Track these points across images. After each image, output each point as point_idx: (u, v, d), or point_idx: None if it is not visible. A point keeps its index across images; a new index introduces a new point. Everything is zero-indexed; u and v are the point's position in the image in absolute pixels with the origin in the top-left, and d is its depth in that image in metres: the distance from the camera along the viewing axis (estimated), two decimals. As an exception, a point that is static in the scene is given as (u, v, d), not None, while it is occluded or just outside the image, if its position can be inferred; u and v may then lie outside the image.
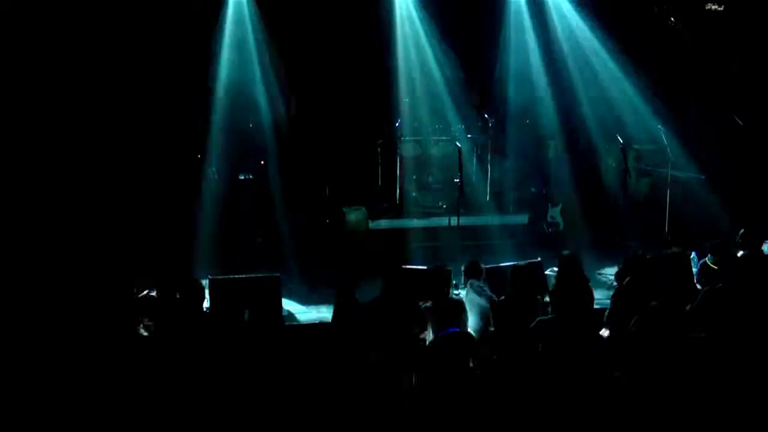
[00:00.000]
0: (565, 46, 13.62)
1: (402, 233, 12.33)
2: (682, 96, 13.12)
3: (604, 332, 8.00)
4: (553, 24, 13.68)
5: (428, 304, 8.14)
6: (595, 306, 8.81)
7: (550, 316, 7.58)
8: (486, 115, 13.37)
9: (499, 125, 13.53)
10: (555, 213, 12.71)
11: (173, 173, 11.74)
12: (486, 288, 8.63)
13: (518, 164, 13.34)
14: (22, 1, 11.19)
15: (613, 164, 13.15)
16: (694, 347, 7.16)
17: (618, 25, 13.31)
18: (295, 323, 9.81)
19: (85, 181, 11.25)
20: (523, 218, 12.90)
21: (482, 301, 8.42)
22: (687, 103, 13.11)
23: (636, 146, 13.43)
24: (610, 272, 10.41)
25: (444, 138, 13.33)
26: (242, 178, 12.44)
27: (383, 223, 12.56)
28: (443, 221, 12.04)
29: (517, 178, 13.32)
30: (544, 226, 12.73)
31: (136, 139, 11.62)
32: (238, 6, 12.52)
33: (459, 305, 7.88)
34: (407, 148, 13.23)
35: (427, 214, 12.83)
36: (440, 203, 12.89)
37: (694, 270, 9.58)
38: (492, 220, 12.55)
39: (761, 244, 9.30)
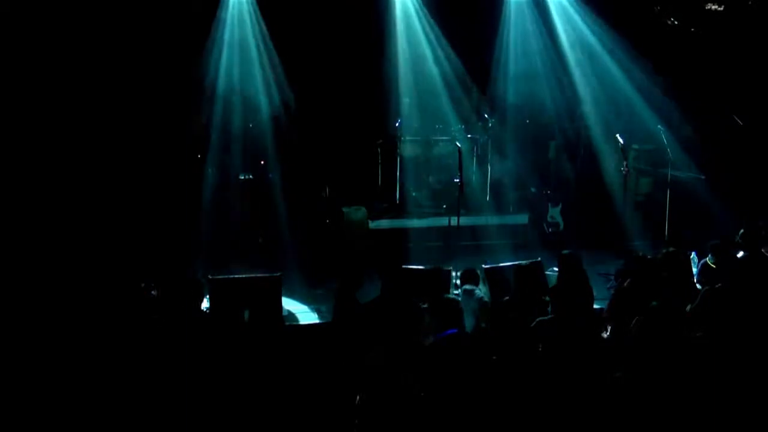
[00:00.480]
0: (566, 46, 13.63)
1: (402, 233, 12.34)
2: (682, 96, 13.11)
3: (604, 333, 8.01)
4: (554, 24, 13.70)
5: (425, 305, 8.14)
6: (595, 306, 8.82)
7: (550, 316, 7.58)
8: (486, 115, 13.37)
9: (499, 125, 13.53)
10: (555, 213, 12.72)
11: (173, 173, 11.74)
12: (476, 290, 8.64)
13: (518, 164, 13.34)
14: (22, 2, 11.19)
15: (613, 164, 13.15)
16: (695, 347, 7.15)
17: (618, 25, 13.31)
18: (295, 323, 9.81)
19: (85, 181, 11.25)
20: (523, 218, 12.90)
21: (473, 303, 8.44)
22: (687, 103, 13.09)
23: (636, 146, 13.43)
24: (610, 272, 10.41)
25: (444, 138, 13.33)
26: (242, 178, 12.44)
27: (383, 223, 12.56)
28: (443, 221, 12.04)
29: (517, 178, 13.32)
30: (544, 226, 12.74)
31: (136, 138, 11.63)
32: (237, 5, 12.53)
33: (456, 305, 7.87)
34: (407, 148, 13.23)
35: (427, 214, 12.83)
36: (440, 203, 12.89)
37: (694, 270, 9.59)
38: (492, 220, 12.55)
39: (761, 244, 9.30)
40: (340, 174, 12.74)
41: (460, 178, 11.38)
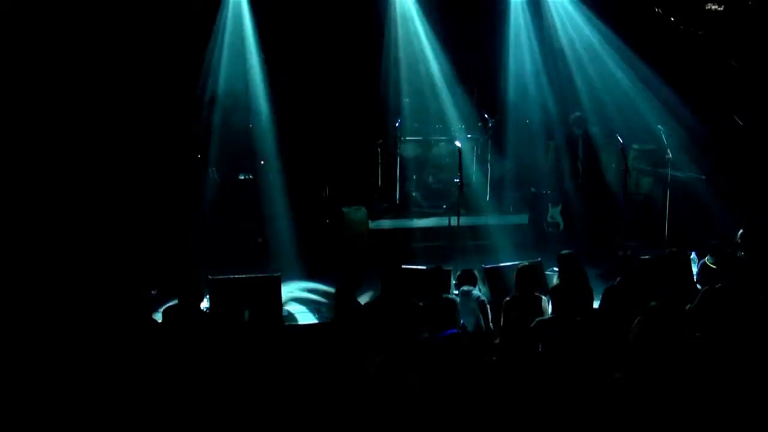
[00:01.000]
0: (566, 46, 13.63)
1: (402, 233, 12.34)
2: (682, 96, 13.11)
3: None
4: (554, 24, 13.70)
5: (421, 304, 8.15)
6: (595, 306, 8.83)
7: (549, 316, 7.59)
8: (486, 115, 13.37)
9: (499, 125, 13.53)
10: (555, 213, 12.72)
11: (173, 173, 11.74)
12: (473, 290, 8.64)
13: (518, 164, 13.34)
14: (22, 2, 11.19)
15: (613, 164, 13.15)
16: (694, 348, 7.15)
17: (618, 25, 13.31)
18: (295, 323, 9.81)
19: (86, 181, 11.25)
20: (523, 218, 12.90)
21: (472, 303, 8.44)
22: (687, 103, 13.09)
23: (636, 146, 13.44)
24: (609, 272, 10.42)
25: (444, 138, 13.33)
26: (242, 178, 12.44)
27: (383, 223, 12.57)
28: (443, 221, 12.04)
29: (517, 178, 13.32)
30: (544, 226, 12.74)
31: (136, 139, 11.63)
32: (237, 6, 12.53)
33: (453, 305, 7.88)
34: (407, 148, 13.23)
35: (427, 214, 12.83)
36: (440, 203, 12.89)
37: (694, 270, 9.59)
38: (492, 220, 12.55)
39: (760, 245, 9.30)
40: (340, 174, 12.74)
41: (460, 178, 11.38)
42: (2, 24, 11.02)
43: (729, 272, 8.19)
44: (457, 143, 11.68)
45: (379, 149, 13.18)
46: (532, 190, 13.35)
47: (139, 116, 11.70)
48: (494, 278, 9.42)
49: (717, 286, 8.07)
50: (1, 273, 9.61)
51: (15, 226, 10.54)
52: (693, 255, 9.81)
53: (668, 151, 11.97)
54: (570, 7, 13.54)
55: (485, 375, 6.78)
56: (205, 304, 8.87)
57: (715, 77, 13.24)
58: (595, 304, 8.85)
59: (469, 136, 13.19)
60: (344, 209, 12.19)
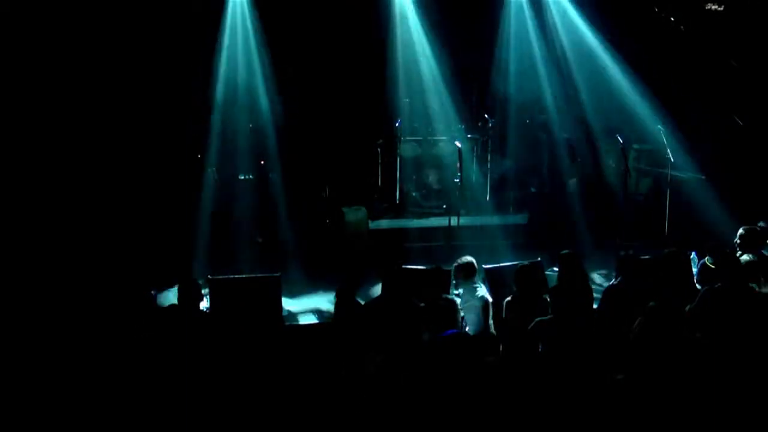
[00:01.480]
0: (566, 46, 13.63)
1: (402, 233, 12.34)
2: (682, 96, 13.11)
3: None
4: (554, 23, 13.69)
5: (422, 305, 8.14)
6: (595, 306, 8.83)
7: (549, 316, 7.58)
8: (486, 115, 13.37)
9: (499, 125, 13.53)
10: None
11: (173, 173, 11.74)
12: (479, 287, 8.63)
13: (518, 164, 13.34)
14: (22, 2, 11.20)
15: (613, 164, 13.14)
16: (695, 348, 7.15)
17: (618, 25, 13.31)
18: (295, 323, 9.81)
19: (86, 181, 11.26)
20: (523, 218, 12.90)
21: (475, 301, 8.44)
22: (687, 103, 13.09)
23: (636, 146, 13.43)
24: (610, 272, 10.42)
25: (444, 138, 13.33)
26: (242, 178, 12.44)
27: (383, 223, 12.57)
28: (443, 221, 12.04)
29: (517, 178, 13.32)
30: (544, 225, 12.69)
31: (137, 139, 11.63)
32: (237, 6, 12.53)
33: (453, 305, 7.88)
34: (407, 148, 13.23)
35: (427, 214, 12.83)
36: (440, 203, 12.89)
37: (695, 270, 9.59)
38: (492, 220, 12.55)
39: (760, 245, 9.30)
40: (340, 174, 12.75)
41: (460, 178, 11.37)
42: (3, 24, 11.02)
43: (728, 273, 8.18)
44: (457, 143, 11.68)
45: (379, 149, 13.18)
46: (532, 190, 13.35)
47: (140, 116, 11.71)
48: (494, 278, 9.42)
49: (716, 287, 8.06)
50: (2, 273, 9.61)
51: (15, 225, 10.54)
52: (693, 255, 9.80)
53: (668, 151, 11.97)
54: (570, 7, 13.53)
55: (485, 375, 6.77)
56: (205, 304, 8.87)
57: (715, 77, 13.24)
58: (595, 305, 8.85)
59: (469, 136, 13.19)
60: (344, 209, 12.19)
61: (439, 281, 8.87)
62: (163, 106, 11.77)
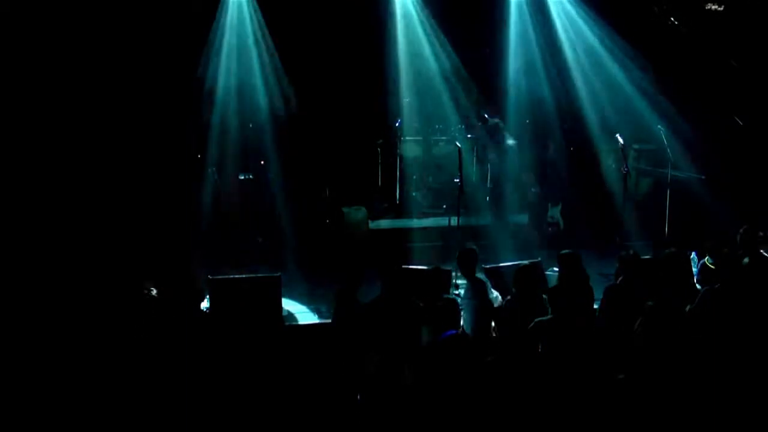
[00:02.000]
0: (566, 46, 13.63)
1: (402, 233, 12.33)
2: (682, 96, 13.11)
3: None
4: (554, 23, 13.69)
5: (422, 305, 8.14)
6: (595, 306, 8.82)
7: (549, 316, 7.58)
8: (486, 115, 13.36)
9: (500, 125, 13.52)
10: (555, 213, 12.71)
11: (173, 173, 11.74)
12: (492, 289, 8.62)
13: (518, 164, 13.34)
14: (22, 2, 11.19)
15: (613, 164, 13.14)
16: (694, 348, 7.15)
17: (618, 25, 13.31)
18: (295, 323, 9.81)
19: (86, 181, 11.26)
20: (523, 218, 12.90)
21: (485, 302, 8.42)
22: (687, 103, 13.09)
23: (636, 146, 13.43)
24: (610, 272, 10.41)
25: (444, 138, 13.33)
26: (242, 178, 12.44)
27: (383, 223, 12.57)
28: (443, 221, 12.04)
29: (517, 178, 13.32)
30: (544, 226, 12.73)
31: (137, 139, 11.63)
32: (237, 6, 12.53)
33: (453, 305, 7.88)
34: (407, 148, 13.23)
35: (426, 215, 12.83)
36: (440, 203, 12.88)
37: (695, 270, 9.59)
38: (492, 220, 12.54)
39: (760, 245, 9.30)
40: (340, 174, 12.74)
41: (460, 178, 11.38)
42: (5, 21, 11.03)
43: (728, 273, 8.18)
44: (457, 143, 11.68)
45: (379, 149, 13.17)
46: (533, 190, 13.34)
47: (139, 116, 11.70)
48: (494, 278, 9.42)
49: (716, 287, 8.06)
50: (1, 272, 9.61)
51: (14, 224, 10.54)
52: (693, 255, 9.81)
53: (668, 151, 11.97)
54: (570, 7, 13.53)
55: (484, 376, 6.77)
56: (205, 304, 8.87)
57: (715, 77, 13.23)
58: (596, 305, 8.85)
59: (469, 136, 13.19)
60: (344, 209, 12.19)
61: (439, 281, 8.87)
62: (163, 106, 11.76)
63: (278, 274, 9.51)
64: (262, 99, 12.53)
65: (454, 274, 9.92)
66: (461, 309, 8.25)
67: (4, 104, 11.09)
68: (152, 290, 8.95)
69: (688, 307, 8.02)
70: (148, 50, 11.67)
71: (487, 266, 9.68)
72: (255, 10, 12.54)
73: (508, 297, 8.47)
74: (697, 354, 7.07)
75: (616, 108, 13.22)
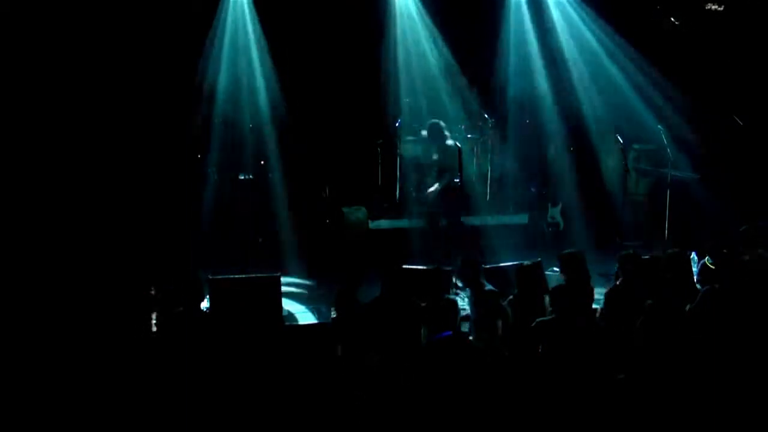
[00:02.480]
0: (566, 46, 13.62)
1: (402, 233, 12.33)
2: (682, 96, 13.11)
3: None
4: (554, 23, 13.69)
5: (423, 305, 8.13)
6: (595, 306, 8.82)
7: (550, 316, 7.58)
8: (486, 115, 13.36)
9: (499, 125, 13.52)
10: (555, 213, 12.71)
11: (173, 173, 11.74)
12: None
13: (518, 164, 13.34)
14: (22, 1, 11.19)
15: (613, 164, 13.14)
16: (694, 348, 7.16)
17: (618, 25, 13.31)
18: (295, 323, 9.81)
19: (86, 181, 11.25)
20: (523, 218, 12.90)
21: (498, 309, 8.38)
22: (687, 103, 13.09)
23: (636, 146, 13.43)
24: (610, 272, 10.41)
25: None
26: (242, 178, 12.44)
27: (383, 223, 12.56)
28: (443, 221, 12.03)
29: (517, 178, 13.32)
30: (544, 226, 12.73)
31: (136, 138, 11.63)
32: (237, 5, 12.53)
33: (453, 306, 7.87)
34: (407, 148, 13.22)
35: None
36: (440, 203, 12.85)
37: (695, 270, 9.59)
38: (492, 220, 12.54)
39: (760, 245, 9.29)
40: (340, 174, 12.73)
41: (460, 178, 11.36)
42: (5, 20, 11.03)
43: (728, 273, 8.18)
44: (457, 143, 11.67)
45: (379, 149, 13.17)
46: (532, 190, 13.34)
47: (140, 115, 11.70)
48: (494, 278, 9.41)
49: (716, 287, 8.06)
50: (1, 272, 9.61)
51: (14, 224, 10.53)
52: (693, 255, 9.80)
53: (668, 151, 11.96)
54: (570, 7, 13.53)
55: (484, 376, 6.77)
56: (205, 304, 8.87)
57: (715, 77, 13.23)
58: (596, 305, 8.85)
59: (469, 136, 13.17)
60: (344, 209, 12.18)
61: (439, 281, 8.86)
62: (163, 106, 11.76)
63: (278, 274, 9.51)
64: (261, 99, 12.52)
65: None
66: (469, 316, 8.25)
67: (4, 104, 11.08)
68: (152, 290, 8.98)
69: (688, 307, 8.02)
70: (148, 50, 11.66)
71: (487, 266, 9.67)
72: (253, 9, 12.53)
73: (510, 297, 8.47)
74: (697, 354, 7.08)
75: (616, 108, 13.21)
